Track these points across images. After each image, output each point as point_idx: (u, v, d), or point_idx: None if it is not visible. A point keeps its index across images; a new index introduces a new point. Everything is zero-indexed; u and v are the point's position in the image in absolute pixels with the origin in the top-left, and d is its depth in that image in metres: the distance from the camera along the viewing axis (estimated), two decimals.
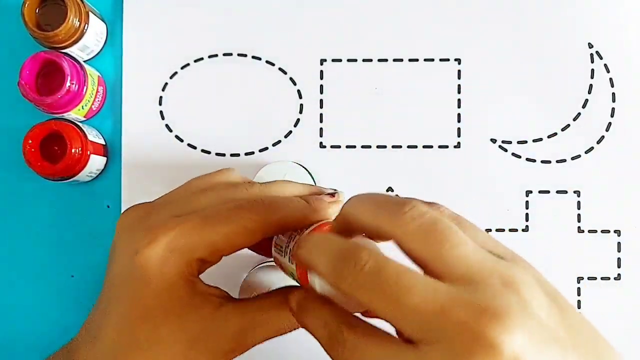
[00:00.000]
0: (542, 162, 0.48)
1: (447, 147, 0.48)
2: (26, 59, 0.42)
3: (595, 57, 0.48)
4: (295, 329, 0.31)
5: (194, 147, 0.48)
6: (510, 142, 0.48)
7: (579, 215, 0.48)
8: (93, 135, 0.45)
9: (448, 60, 0.48)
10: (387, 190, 0.47)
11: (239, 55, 0.48)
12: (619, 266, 0.47)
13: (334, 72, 0.48)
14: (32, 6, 0.43)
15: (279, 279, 0.40)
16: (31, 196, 0.47)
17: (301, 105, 0.48)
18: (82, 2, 0.44)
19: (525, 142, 0.48)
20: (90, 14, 0.45)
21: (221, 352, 0.30)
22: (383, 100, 0.47)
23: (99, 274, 0.33)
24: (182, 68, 0.48)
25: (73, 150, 0.43)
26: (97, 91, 0.46)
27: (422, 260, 0.23)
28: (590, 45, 0.48)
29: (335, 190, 0.35)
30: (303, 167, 0.44)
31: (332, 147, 0.47)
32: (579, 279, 0.47)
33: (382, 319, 0.23)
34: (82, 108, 0.45)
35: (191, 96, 0.48)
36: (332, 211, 0.33)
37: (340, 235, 0.26)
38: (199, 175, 0.35)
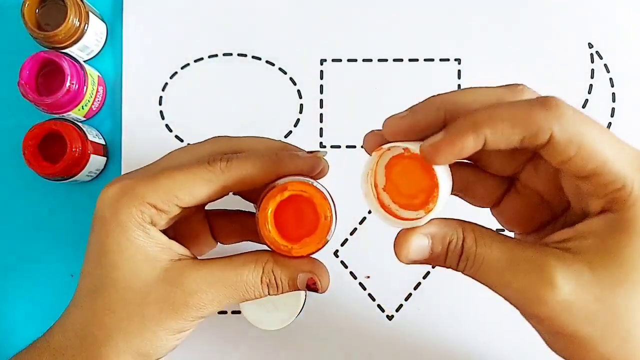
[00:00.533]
0: None
1: None
2: (26, 59, 0.42)
3: (595, 57, 0.48)
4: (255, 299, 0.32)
5: None
6: None
7: None
8: (93, 135, 0.45)
9: (448, 60, 0.48)
10: None
11: (239, 55, 0.48)
12: None
13: (334, 72, 0.48)
14: (32, 6, 0.43)
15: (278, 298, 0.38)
16: (31, 196, 0.47)
17: (301, 105, 0.48)
18: (82, 2, 0.44)
19: None
20: (90, 14, 0.45)
21: (173, 305, 0.31)
22: (383, 101, 0.47)
23: None
24: (182, 68, 0.48)
25: (73, 150, 0.43)
26: (97, 91, 0.46)
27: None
28: (590, 45, 0.48)
29: (315, 150, 0.34)
30: None
31: (332, 147, 0.47)
32: None
33: None
34: (82, 108, 0.45)
35: (191, 96, 0.48)
36: (301, 164, 0.32)
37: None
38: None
